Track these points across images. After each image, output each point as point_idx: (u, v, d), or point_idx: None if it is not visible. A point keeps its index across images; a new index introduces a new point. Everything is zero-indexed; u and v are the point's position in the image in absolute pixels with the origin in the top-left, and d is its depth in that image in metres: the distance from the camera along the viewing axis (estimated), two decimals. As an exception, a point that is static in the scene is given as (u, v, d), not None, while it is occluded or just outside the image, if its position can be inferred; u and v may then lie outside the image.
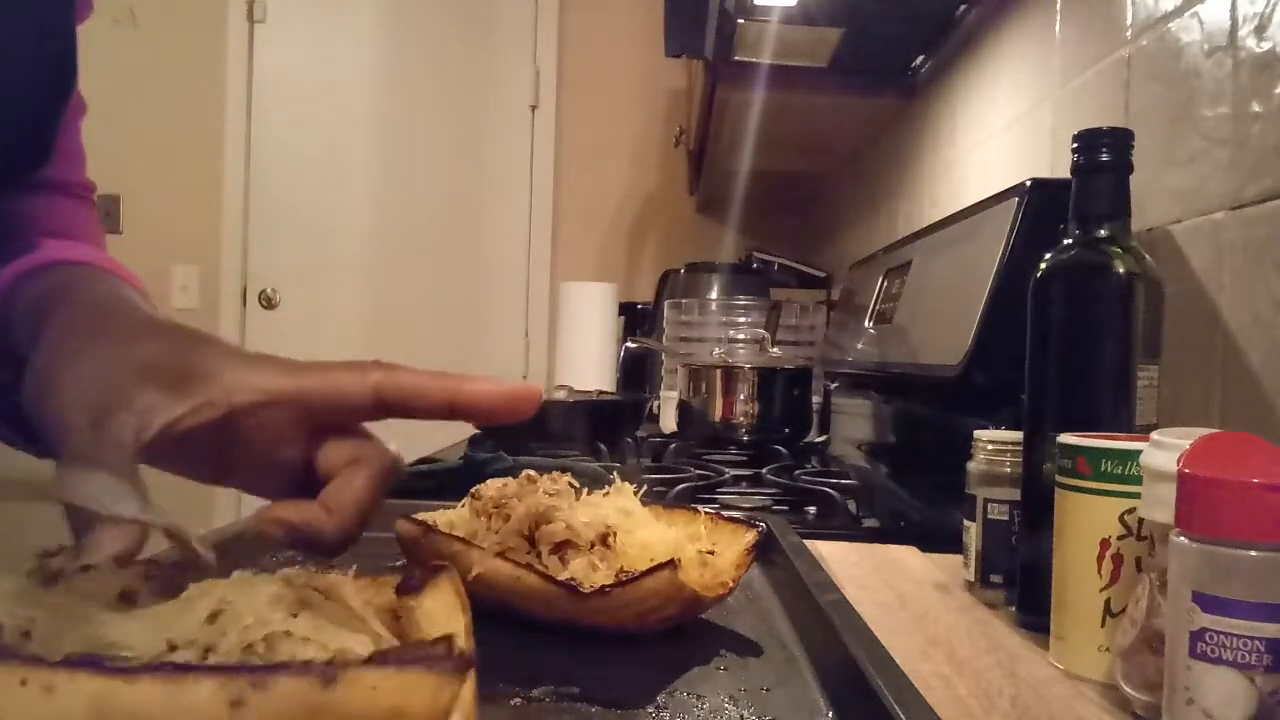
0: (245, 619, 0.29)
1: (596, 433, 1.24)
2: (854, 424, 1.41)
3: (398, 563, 0.58)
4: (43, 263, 0.50)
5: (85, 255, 0.51)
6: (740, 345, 1.59)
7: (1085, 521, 0.48)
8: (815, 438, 1.46)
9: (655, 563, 0.44)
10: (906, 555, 0.73)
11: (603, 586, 0.45)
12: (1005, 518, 0.61)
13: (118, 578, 0.30)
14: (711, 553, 0.50)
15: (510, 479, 0.55)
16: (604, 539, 0.49)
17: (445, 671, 0.24)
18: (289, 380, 0.40)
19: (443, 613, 0.31)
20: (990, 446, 0.62)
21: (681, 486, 0.92)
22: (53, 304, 0.45)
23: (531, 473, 0.55)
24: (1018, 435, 0.59)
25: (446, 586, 0.32)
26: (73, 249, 0.52)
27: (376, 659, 0.24)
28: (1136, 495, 0.44)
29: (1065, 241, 0.56)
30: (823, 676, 0.42)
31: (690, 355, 1.57)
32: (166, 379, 0.38)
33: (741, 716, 0.37)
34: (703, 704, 0.39)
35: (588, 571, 0.47)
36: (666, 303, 1.84)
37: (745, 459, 1.22)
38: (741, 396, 1.35)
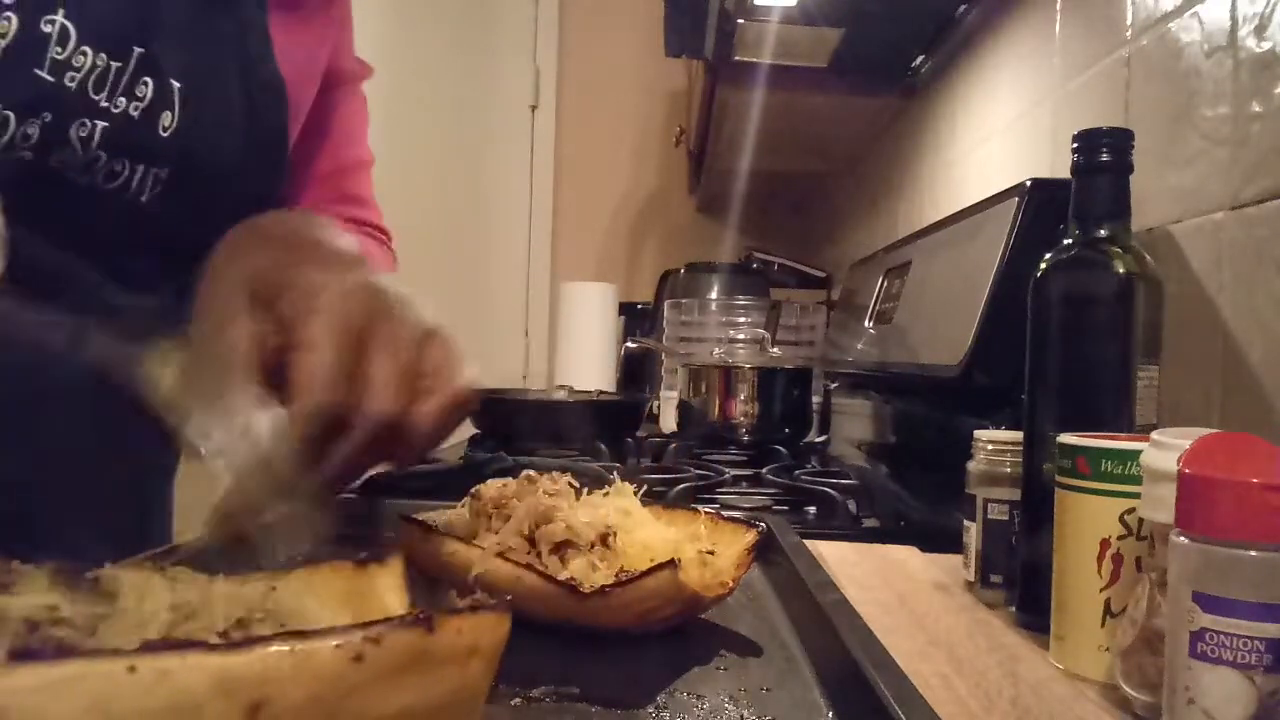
0: (212, 612, 0.30)
1: (596, 433, 1.23)
2: (854, 424, 1.41)
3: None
4: None
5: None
6: (740, 345, 1.59)
7: (1085, 521, 0.48)
8: (815, 438, 1.46)
9: (655, 563, 0.44)
10: (906, 555, 0.73)
11: (603, 586, 0.45)
12: (1005, 518, 0.61)
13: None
14: (711, 553, 0.50)
15: (510, 479, 0.56)
16: (604, 539, 0.49)
17: (502, 611, 0.28)
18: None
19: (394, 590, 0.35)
20: (990, 446, 0.62)
21: (681, 486, 0.92)
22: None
23: (531, 473, 0.55)
24: (1018, 435, 0.59)
25: (396, 565, 0.36)
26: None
27: (450, 610, 0.27)
28: (1136, 495, 0.44)
29: (1065, 241, 0.56)
30: (823, 676, 0.42)
31: (690, 355, 1.57)
32: (266, 294, 0.43)
33: (741, 716, 0.37)
34: (703, 704, 0.39)
35: (588, 572, 0.47)
36: (666, 303, 1.84)
37: (745, 459, 1.22)
38: (741, 396, 1.35)
